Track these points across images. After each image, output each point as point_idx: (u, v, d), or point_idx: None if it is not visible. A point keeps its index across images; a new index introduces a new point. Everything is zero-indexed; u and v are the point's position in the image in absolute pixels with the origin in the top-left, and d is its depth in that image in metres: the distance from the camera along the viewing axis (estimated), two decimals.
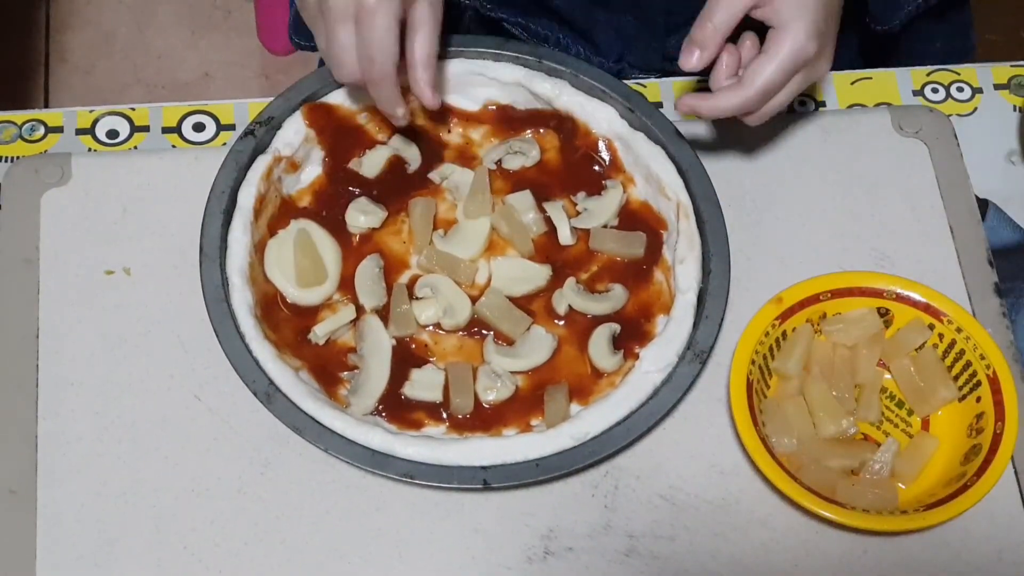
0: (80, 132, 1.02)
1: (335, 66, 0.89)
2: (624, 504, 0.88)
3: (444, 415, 0.89)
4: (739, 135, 1.03)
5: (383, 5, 0.84)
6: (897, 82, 1.10)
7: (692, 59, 0.89)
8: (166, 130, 1.03)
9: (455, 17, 1.10)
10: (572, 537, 0.87)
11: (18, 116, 1.03)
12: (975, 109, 1.09)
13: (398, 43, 0.86)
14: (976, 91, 1.09)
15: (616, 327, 0.92)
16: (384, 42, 0.85)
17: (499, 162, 0.99)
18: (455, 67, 1.00)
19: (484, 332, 0.93)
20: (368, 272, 0.94)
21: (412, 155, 0.99)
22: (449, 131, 1.01)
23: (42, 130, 1.02)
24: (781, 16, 0.88)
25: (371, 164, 0.98)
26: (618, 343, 0.92)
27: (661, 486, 0.89)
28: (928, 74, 1.10)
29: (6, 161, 1.00)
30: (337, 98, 0.99)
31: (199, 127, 1.03)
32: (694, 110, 0.91)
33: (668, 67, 1.12)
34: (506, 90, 1.00)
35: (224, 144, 1.02)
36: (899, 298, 0.93)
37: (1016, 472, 0.91)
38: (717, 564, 0.87)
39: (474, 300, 0.93)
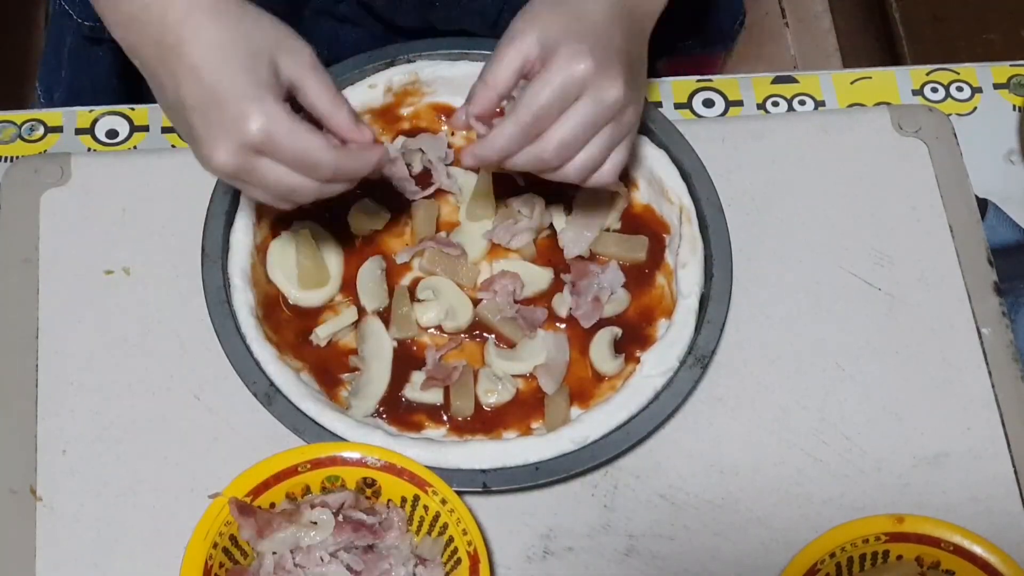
0: (80, 132, 1.02)
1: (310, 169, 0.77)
2: (624, 504, 0.88)
3: (445, 417, 0.89)
4: (740, 136, 1.03)
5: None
6: (897, 81, 1.09)
7: (459, 115, 0.83)
8: (166, 130, 1.02)
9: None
10: (572, 537, 0.87)
11: (18, 116, 1.03)
12: (975, 108, 1.09)
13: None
14: (976, 90, 1.09)
15: (617, 331, 0.92)
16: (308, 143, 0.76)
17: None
18: (460, 69, 0.99)
19: (485, 335, 0.93)
20: (370, 274, 0.93)
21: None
22: (453, 133, 1.00)
23: (41, 130, 1.02)
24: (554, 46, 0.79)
25: None
26: (619, 347, 0.92)
27: (661, 486, 0.89)
28: (928, 73, 1.10)
29: (6, 161, 1.00)
30: None
31: None
32: (475, 157, 0.81)
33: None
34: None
35: None
36: None
37: (1016, 472, 0.91)
38: (717, 564, 0.87)
39: (476, 303, 0.93)
